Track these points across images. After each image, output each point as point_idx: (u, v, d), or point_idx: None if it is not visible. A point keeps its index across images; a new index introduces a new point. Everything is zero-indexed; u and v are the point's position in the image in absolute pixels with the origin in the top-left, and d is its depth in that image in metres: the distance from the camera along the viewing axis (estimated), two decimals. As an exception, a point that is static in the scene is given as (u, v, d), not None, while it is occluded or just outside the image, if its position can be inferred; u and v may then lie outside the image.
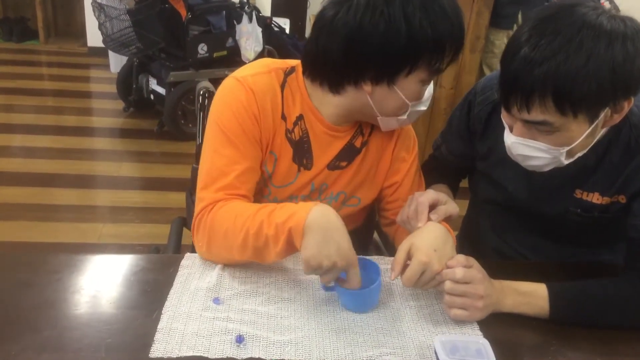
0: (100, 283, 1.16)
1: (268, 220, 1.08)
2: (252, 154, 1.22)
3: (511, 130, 1.14)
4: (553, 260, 1.40)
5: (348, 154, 1.32)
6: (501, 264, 1.41)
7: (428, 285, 1.11)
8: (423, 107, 1.25)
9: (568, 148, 1.11)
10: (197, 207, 1.20)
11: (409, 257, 1.11)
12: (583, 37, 0.98)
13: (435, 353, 1.01)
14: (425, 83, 1.18)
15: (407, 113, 1.22)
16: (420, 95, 1.20)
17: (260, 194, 1.32)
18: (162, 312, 1.08)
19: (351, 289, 1.10)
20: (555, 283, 1.16)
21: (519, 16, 3.72)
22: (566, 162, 1.14)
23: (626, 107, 1.07)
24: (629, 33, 0.99)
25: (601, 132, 1.14)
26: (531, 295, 1.15)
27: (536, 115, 1.04)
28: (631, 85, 1.03)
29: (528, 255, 1.43)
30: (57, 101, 4.59)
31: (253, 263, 1.23)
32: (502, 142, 1.33)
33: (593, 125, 1.08)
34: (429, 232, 1.16)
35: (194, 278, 1.18)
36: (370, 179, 1.38)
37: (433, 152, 1.58)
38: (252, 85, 1.20)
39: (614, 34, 0.98)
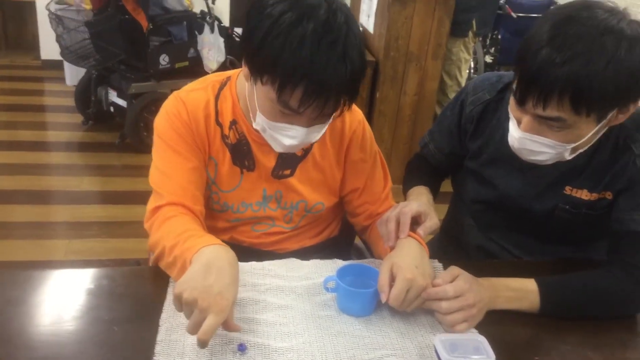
0: (90, 299, 1.13)
1: (182, 243, 1.11)
2: (194, 156, 1.28)
3: (519, 123, 1.17)
4: (537, 257, 1.44)
5: (289, 162, 1.34)
6: (488, 263, 1.45)
7: (414, 304, 1.13)
8: (284, 140, 1.16)
9: (574, 145, 1.15)
10: (149, 206, 1.26)
11: (392, 277, 1.12)
12: (605, 42, 1.03)
13: (436, 352, 1.03)
14: (274, 105, 1.10)
15: (260, 126, 1.18)
16: (272, 114, 1.13)
17: (210, 200, 1.36)
18: (160, 323, 1.06)
19: (199, 334, 0.93)
20: (543, 277, 1.20)
21: (474, 23, 3.82)
22: (569, 157, 1.19)
23: (632, 108, 1.13)
24: None
25: (603, 131, 1.18)
26: (521, 290, 1.19)
27: (551, 112, 1.09)
28: None
29: (514, 253, 1.46)
30: (10, 116, 4.44)
31: (246, 271, 1.23)
32: (494, 140, 1.36)
33: (600, 124, 1.13)
34: (407, 249, 1.19)
35: (187, 289, 1.16)
36: (325, 184, 1.40)
37: (420, 150, 1.61)
38: (185, 98, 1.28)
39: (634, 40, 1.04)
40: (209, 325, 0.93)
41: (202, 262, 1.01)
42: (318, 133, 1.19)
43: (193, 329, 0.96)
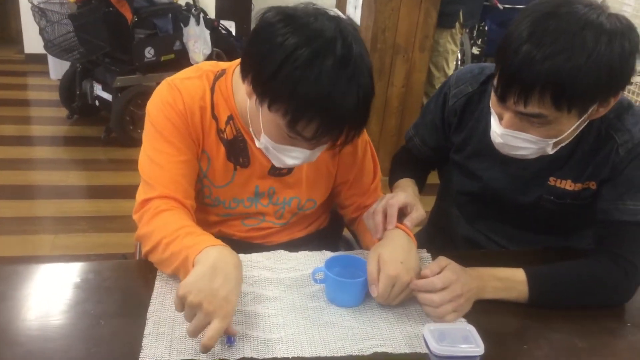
0: (77, 293, 1.12)
1: (181, 239, 1.10)
2: (187, 148, 1.25)
3: (500, 119, 1.17)
4: (523, 247, 1.44)
5: None
6: (476, 253, 1.45)
7: (400, 298, 1.13)
8: (287, 161, 1.17)
9: (556, 139, 1.16)
10: (139, 197, 1.23)
11: (379, 269, 1.12)
12: (585, 36, 1.02)
13: (425, 342, 1.02)
14: (282, 130, 1.09)
15: (264, 145, 1.18)
16: (278, 138, 1.13)
17: (201, 193, 1.34)
18: (147, 317, 1.06)
19: (205, 340, 0.92)
20: (532, 267, 1.20)
21: (460, 14, 3.82)
22: (551, 152, 1.19)
23: (612, 102, 1.13)
24: (625, 31, 1.05)
25: (584, 124, 1.19)
26: (510, 280, 1.19)
27: (532, 108, 1.08)
28: (623, 82, 1.09)
29: (500, 243, 1.47)
30: (-6, 110, 4.40)
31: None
32: (477, 133, 1.36)
33: (581, 119, 1.13)
34: (395, 241, 1.18)
35: (174, 282, 1.16)
36: (320, 180, 1.40)
37: (405, 144, 1.61)
38: (180, 86, 1.24)
39: (613, 33, 1.03)
40: (214, 330, 0.93)
41: (208, 264, 1.00)
42: (319, 152, 1.19)
43: (194, 333, 0.95)
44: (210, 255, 1.02)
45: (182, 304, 0.96)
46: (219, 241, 1.09)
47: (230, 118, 1.27)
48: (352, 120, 1.08)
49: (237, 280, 1.00)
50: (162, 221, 1.16)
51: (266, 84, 1.06)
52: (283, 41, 1.03)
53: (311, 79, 1.01)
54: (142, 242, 1.20)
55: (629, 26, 1.06)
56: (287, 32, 1.03)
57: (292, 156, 1.16)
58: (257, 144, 1.20)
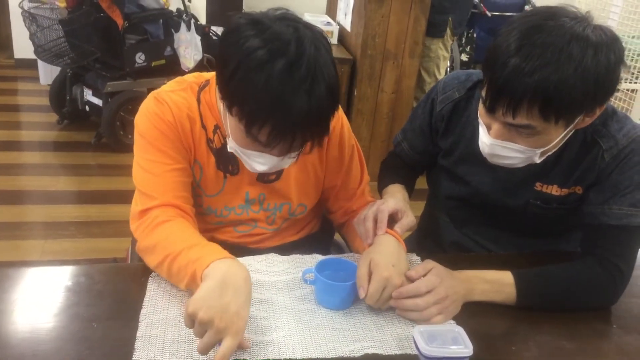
0: (68, 295, 1.13)
1: (186, 251, 1.09)
2: (181, 156, 1.25)
3: (489, 129, 1.18)
4: (511, 251, 1.46)
5: None
6: (465, 257, 1.46)
7: (389, 302, 1.14)
8: (255, 166, 1.18)
9: (544, 149, 1.18)
10: (135, 208, 1.21)
11: (370, 273, 1.13)
12: (572, 49, 1.04)
13: (415, 343, 1.04)
14: (243, 135, 1.09)
15: (233, 150, 1.19)
16: (243, 142, 1.13)
17: (195, 203, 1.33)
18: (139, 319, 1.06)
19: (217, 359, 0.92)
20: (520, 270, 1.22)
21: (450, 21, 3.85)
22: (539, 161, 1.22)
23: (598, 111, 1.15)
24: (610, 43, 1.07)
25: (570, 133, 1.21)
26: (498, 283, 1.20)
27: (521, 120, 1.10)
28: (609, 92, 1.11)
29: (488, 247, 1.48)
30: (-17, 116, 4.38)
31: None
32: (465, 138, 1.38)
33: (568, 129, 1.15)
34: (385, 246, 1.20)
35: (167, 284, 1.16)
36: (310, 185, 1.41)
37: (394, 149, 1.62)
38: (167, 99, 1.24)
39: (599, 46, 1.06)
40: (227, 348, 0.92)
41: (216, 279, 0.98)
42: (290, 160, 1.18)
43: (205, 350, 0.94)
44: (218, 269, 1.01)
45: (192, 321, 0.95)
46: (226, 252, 1.08)
47: (217, 127, 1.28)
48: (305, 127, 1.06)
49: (247, 295, 1.00)
50: (164, 234, 1.15)
51: (226, 86, 1.07)
52: (243, 44, 1.03)
53: (262, 82, 1.01)
54: (145, 256, 1.18)
55: (613, 38, 1.09)
56: (248, 35, 1.04)
57: (258, 162, 1.16)
58: (228, 147, 1.20)
